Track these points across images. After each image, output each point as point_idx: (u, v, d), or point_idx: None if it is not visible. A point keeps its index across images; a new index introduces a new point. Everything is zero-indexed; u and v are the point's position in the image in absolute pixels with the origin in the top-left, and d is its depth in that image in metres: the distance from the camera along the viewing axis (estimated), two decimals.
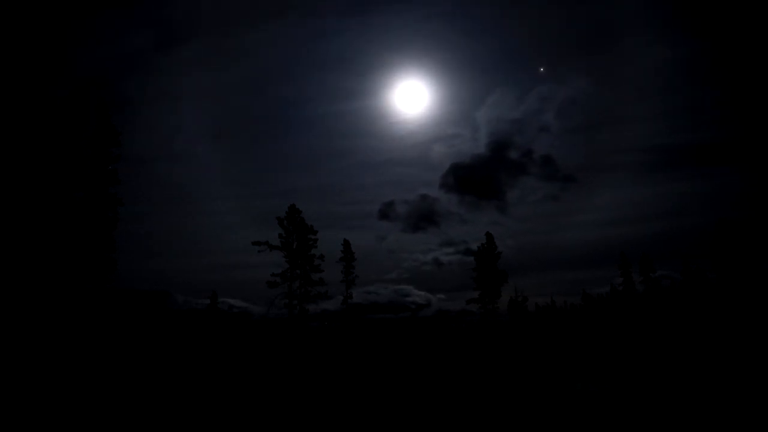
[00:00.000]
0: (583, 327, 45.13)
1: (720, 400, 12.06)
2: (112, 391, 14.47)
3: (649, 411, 11.36)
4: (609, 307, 60.36)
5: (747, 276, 45.61)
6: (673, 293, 56.06)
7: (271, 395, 14.83)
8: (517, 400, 13.47)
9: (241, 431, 10.75)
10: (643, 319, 43.23)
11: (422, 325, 76.04)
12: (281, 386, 16.51)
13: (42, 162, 22.45)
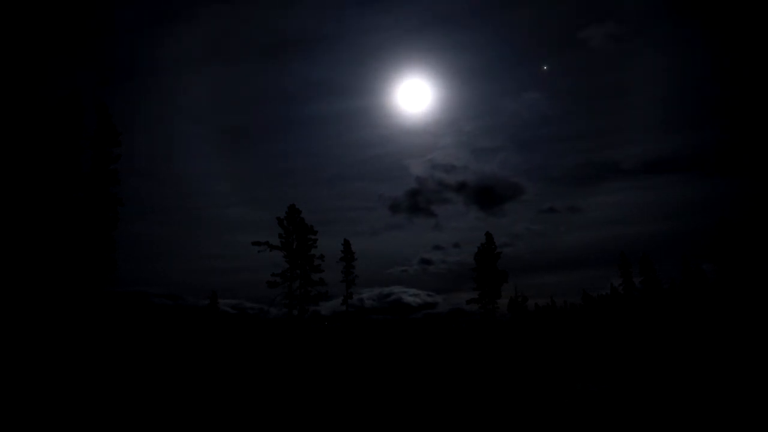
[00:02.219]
0: (583, 327, 45.15)
1: (720, 400, 12.06)
2: (115, 390, 14.48)
3: (649, 411, 11.36)
4: (609, 307, 60.39)
5: (747, 275, 45.63)
6: (673, 293, 56.09)
7: (270, 394, 14.84)
8: (517, 399, 13.47)
9: (241, 429, 10.77)
10: (643, 319, 43.25)
11: (422, 325, 76.05)
12: (281, 385, 16.52)
13: (42, 162, 22.47)
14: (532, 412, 11.82)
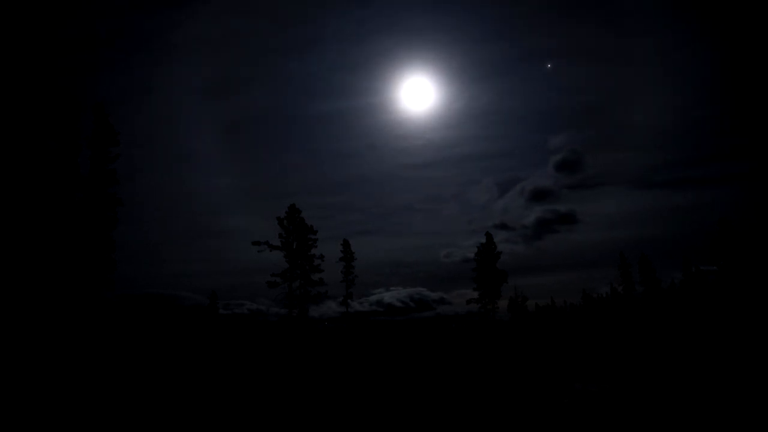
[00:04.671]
0: (583, 327, 45.13)
1: (720, 400, 12.04)
2: (114, 390, 14.44)
3: (649, 411, 11.34)
4: (609, 307, 60.41)
5: (747, 275, 45.64)
6: (673, 293, 56.11)
7: (270, 394, 14.82)
8: (517, 399, 13.45)
9: (241, 428, 10.74)
10: (642, 319, 43.24)
11: (423, 326, 75.99)
12: (281, 386, 16.49)
13: (42, 162, 22.43)
14: (532, 411, 11.79)
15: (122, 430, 10.67)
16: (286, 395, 14.80)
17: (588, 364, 21.45)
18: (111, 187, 23.89)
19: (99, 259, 23.41)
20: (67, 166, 22.88)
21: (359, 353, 29.36)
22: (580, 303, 71.85)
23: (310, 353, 28.33)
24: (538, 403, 12.76)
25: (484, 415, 11.78)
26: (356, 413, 12.14)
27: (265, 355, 27.38)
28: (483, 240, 46.52)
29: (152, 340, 32.04)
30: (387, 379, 18.26)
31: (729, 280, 47.21)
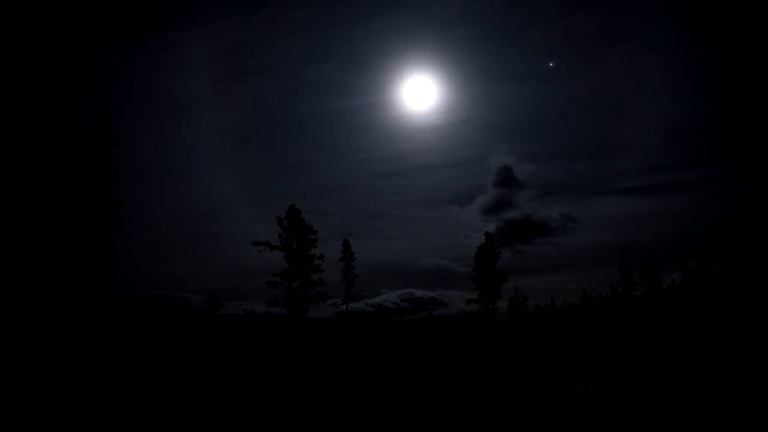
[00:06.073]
0: (583, 327, 45.12)
1: (720, 400, 12.05)
2: (113, 390, 14.45)
3: (648, 411, 11.36)
4: (609, 307, 60.42)
5: (747, 275, 45.67)
6: (673, 293, 56.13)
7: (269, 394, 14.83)
8: (516, 399, 13.46)
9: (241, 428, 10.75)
10: (642, 319, 43.24)
11: (424, 326, 75.92)
12: (280, 386, 16.50)
13: (42, 162, 22.46)
14: (532, 411, 11.80)
15: (122, 430, 10.69)
16: (289, 397, 14.81)
17: (588, 364, 21.46)
18: (111, 187, 23.93)
19: (99, 259, 23.44)
20: (68, 166, 22.91)
21: (364, 354, 29.36)
22: (580, 303, 71.95)
23: (314, 354, 28.32)
24: (539, 403, 12.77)
25: (485, 414, 11.80)
26: (358, 414, 12.16)
27: (265, 356, 27.37)
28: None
29: (152, 340, 32.04)
30: (391, 378, 18.27)
31: (729, 280, 47.22)
